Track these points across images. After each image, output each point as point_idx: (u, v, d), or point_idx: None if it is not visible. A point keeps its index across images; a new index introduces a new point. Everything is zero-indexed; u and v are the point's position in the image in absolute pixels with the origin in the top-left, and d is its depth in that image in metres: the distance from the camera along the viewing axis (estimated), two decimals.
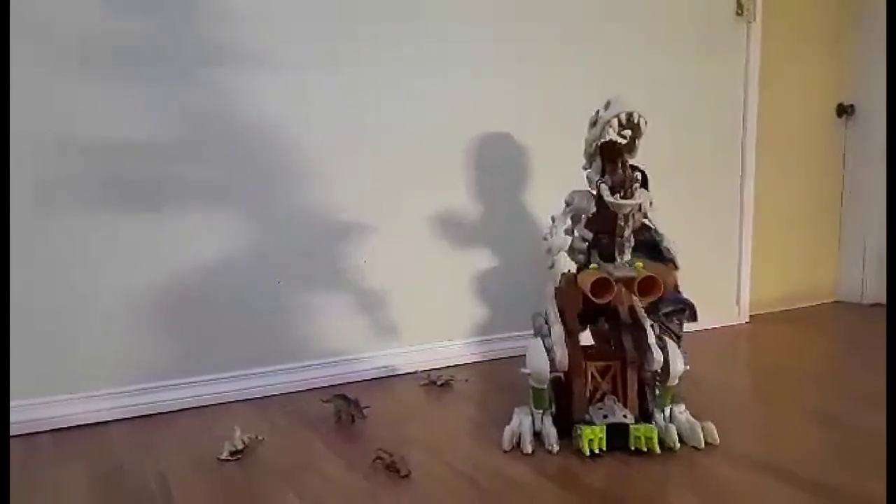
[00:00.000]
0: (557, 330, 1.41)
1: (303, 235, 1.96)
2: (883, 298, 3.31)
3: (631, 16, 2.48)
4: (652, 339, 1.39)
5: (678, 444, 1.38)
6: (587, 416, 1.38)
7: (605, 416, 1.35)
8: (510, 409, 1.69)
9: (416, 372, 2.10)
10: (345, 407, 1.64)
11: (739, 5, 2.79)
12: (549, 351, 1.40)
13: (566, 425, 1.42)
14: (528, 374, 1.41)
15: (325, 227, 2.00)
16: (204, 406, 1.80)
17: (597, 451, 1.32)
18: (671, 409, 1.46)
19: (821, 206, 3.42)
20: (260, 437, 1.50)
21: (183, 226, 1.77)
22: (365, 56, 2.02)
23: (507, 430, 1.44)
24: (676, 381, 1.39)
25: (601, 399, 1.41)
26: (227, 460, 1.40)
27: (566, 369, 1.38)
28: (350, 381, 2.00)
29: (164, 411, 1.75)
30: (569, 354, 1.38)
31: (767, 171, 2.96)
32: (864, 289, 3.39)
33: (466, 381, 2.01)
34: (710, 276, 2.88)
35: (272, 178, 1.89)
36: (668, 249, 1.37)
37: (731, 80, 2.82)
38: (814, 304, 3.30)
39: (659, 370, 1.39)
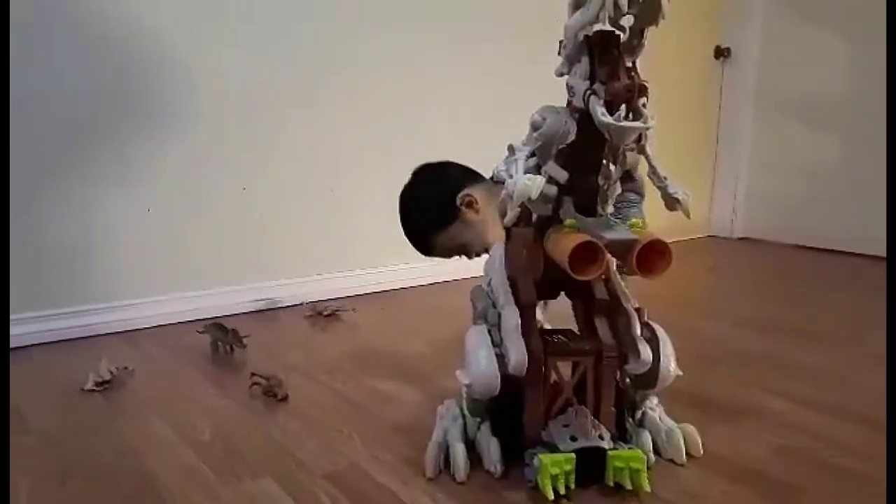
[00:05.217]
0: (511, 318, 0.91)
1: (177, 160, 1.81)
2: (750, 233, 3.38)
3: None
4: (637, 330, 0.92)
5: (653, 458, 0.98)
6: (545, 436, 0.92)
7: (574, 439, 0.89)
8: (398, 336, 1.69)
9: (301, 304, 1.99)
10: (222, 336, 1.53)
11: None
12: (497, 346, 0.92)
13: (512, 444, 0.96)
14: (469, 386, 0.92)
15: (202, 152, 1.85)
16: (69, 340, 1.65)
17: (563, 491, 0.87)
18: (643, 409, 1.04)
19: (697, 145, 3.37)
20: (129, 368, 1.43)
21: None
22: None
23: (430, 446, 0.98)
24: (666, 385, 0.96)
25: (563, 410, 0.94)
26: (92, 391, 1.29)
27: (523, 373, 0.89)
28: (230, 313, 1.86)
29: (23, 345, 1.58)
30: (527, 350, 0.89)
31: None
32: (733, 224, 3.44)
33: (353, 310, 1.91)
34: None
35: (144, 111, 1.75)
36: (677, 198, 0.86)
37: None
38: (688, 238, 3.45)
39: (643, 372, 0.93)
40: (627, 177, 0.94)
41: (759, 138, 3.37)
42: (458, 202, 1.57)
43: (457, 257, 1.67)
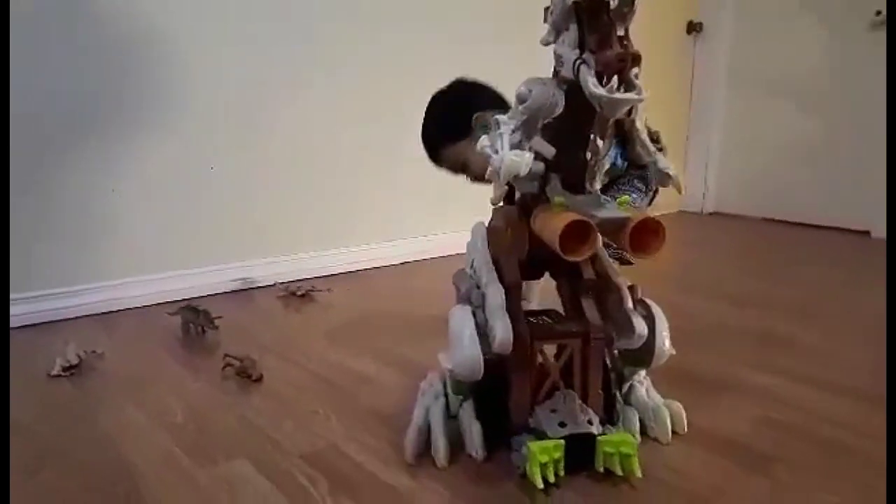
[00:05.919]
0: (495, 295, 0.87)
1: (146, 139, 1.75)
2: (721, 208, 3.41)
3: None
4: (630, 305, 0.89)
5: (639, 437, 0.95)
6: (532, 422, 0.88)
7: (563, 425, 0.85)
8: (373, 316, 1.67)
9: (274, 284, 1.96)
10: (193, 318, 1.50)
11: None
12: (481, 327, 0.87)
13: (497, 430, 0.92)
14: (451, 370, 0.88)
15: (173, 132, 1.79)
16: (41, 323, 1.61)
17: (552, 479, 0.83)
18: (630, 382, 1.01)
19: (668, 120, 3.35)
20: (98, 352, 1.39)
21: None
22: None
23: (410, 429, 0.94)
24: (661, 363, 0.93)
25: (550, 394, 0.90)
26: (59, 376, 1.26)
27: (509, 351, 0.85)
28: (203, 294, 1.84)
29: None
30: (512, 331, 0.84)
31: None
32: (704, 200, 3.46)
33: (329, 290, 1.90)
34: None
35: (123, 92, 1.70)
36: (669, 173, 0.91)
37: None
38: (660, 213, 3.47)
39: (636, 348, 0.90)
40: (633, 162, 0.93)
41: (730, 114, 3.38)
42: (472, 121, 1.47)
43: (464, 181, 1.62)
